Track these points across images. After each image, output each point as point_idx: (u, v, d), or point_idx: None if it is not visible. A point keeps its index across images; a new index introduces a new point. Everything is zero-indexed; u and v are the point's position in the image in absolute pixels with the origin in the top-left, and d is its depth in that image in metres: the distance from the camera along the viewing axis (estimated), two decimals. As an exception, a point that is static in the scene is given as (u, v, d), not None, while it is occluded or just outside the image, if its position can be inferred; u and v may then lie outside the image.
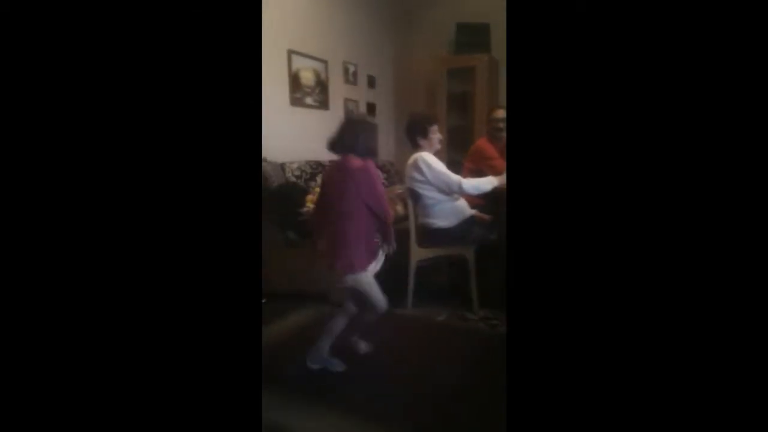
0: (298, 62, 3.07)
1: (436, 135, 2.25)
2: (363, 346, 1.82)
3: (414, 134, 2.26)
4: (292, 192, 2.58)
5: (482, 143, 2.68)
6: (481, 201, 2.41)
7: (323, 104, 3.34)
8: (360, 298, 1.62)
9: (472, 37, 3.71)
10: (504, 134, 2.61)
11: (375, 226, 1.60)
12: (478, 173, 2.41)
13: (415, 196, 2.27)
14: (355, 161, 1.56)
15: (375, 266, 1.65)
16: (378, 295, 1.59)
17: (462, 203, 2.31)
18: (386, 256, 1.73)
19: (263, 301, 2.45)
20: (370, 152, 1.61)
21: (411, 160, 2.24)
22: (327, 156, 3.19)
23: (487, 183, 2.16)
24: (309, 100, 3.20)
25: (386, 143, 4.12)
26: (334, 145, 1.60)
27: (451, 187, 2.16)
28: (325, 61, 3.32)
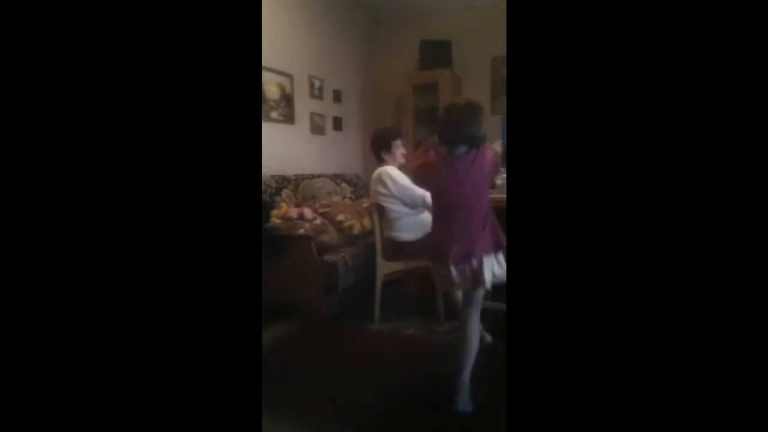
0: (263, 76, 3.06)
1: (399, 149, 2.28)
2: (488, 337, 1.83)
3: (378, 148, 2.29)
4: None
5: None
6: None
7: (288, 118, 3.33)
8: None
9: (435, 53, 3.80)
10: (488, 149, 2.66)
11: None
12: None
13: (381, 210, 2.28)
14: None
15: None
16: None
17: (427, 216, 2.34)
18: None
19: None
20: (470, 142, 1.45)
21: (375, 175, 2.26)
22: (293, 170, 3.18)
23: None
24: (274, 114, 3.18)
25: (353, 157, 4.14)
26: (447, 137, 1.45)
27: (415, 201, 2.19)
28: (290, 76, 3.32)
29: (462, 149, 1.44)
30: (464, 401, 1.46)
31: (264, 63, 3.05)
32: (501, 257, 1.45)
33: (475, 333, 1.52)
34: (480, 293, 1.50)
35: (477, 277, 1.41)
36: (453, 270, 1.42)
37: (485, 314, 1.64)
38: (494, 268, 1.43)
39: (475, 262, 1.41)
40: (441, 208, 1.52)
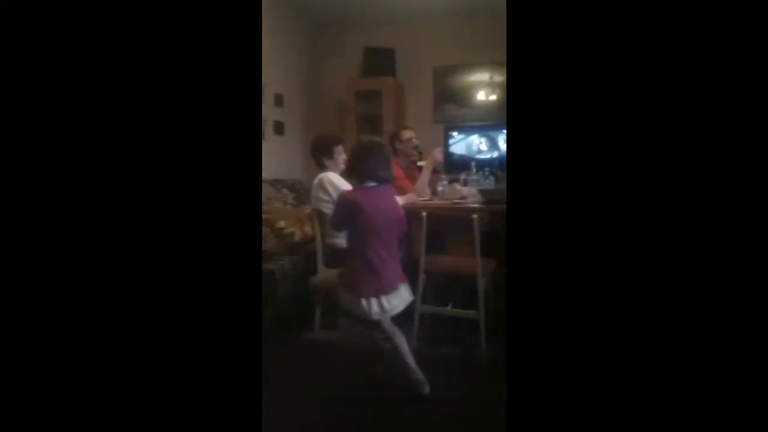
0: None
1: (341, 155, 2.26)
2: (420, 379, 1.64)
3: (319, 154, 2.25)
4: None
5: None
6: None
7: (227, 121, 3.20)
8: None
9: (378, 60, 3.83)
10: (419, 151, 2.71)
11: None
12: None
13: (322, 217, 2.24)
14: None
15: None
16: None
17: (368, 223, 2.33)
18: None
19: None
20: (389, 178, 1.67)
21: (316, 181, 2.22)
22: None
23: (392, 203, 2.20)
24: (211, 117, 3.05)
25: (295, 162, 4.06)
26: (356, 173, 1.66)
27: (356, 207, 2.17)
28: (228, 77, 3.20)
29: (371, 183, 1.61)
30: (420, 381, 1.59)
31: (199, 62, 2.92)
32: (403, 290, 1.60)
33: (396, 331, 1.67)
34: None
35: (383, 308, 1.54)
36: (363, 302, 1.52)
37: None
38: (399, 299, 1.58)
39: (383, 297, 1.53)
40: (354, 238, 1.64)
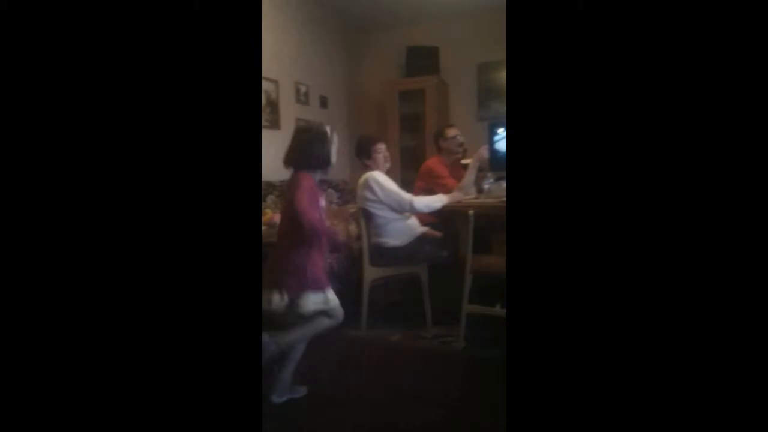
0: (248, 82, 3.04)
1: (380, 154, 2.27)
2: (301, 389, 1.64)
3: (360, 155, 2.28)
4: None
5: (432, 162, 2.73)
6: (432, 219, 2.44)
7: (274, 124, 3.30)
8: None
9: (421, 59, 3.82)
10: (462, 149, 2.70)
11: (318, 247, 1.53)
12: (429, 192, 2.45)
13: (367, 216, 2.27)
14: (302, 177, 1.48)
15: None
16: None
17: (413, 221, 2.33)
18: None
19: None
20: (321, 164, 1.54)
21: (362, 180, 2.25)
22: (278, 176, 3.15)
23: (437, 201, 2.20)
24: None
25: (339, 162, 4.13)
26: (287, 160, 1.55)
27: (402, 206, 2.18)
28: (276, 81, 3.30)
29: (317, 176, 1.53)
30: (279, 393, 1.55)
31: (249, 68, 3.03)
32: (323, 294, 1.50)
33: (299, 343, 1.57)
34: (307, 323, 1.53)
35: (295, 309, 1.46)
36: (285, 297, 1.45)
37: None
38: (317, 302, 1.48)
39: (302, 296, 1.46)
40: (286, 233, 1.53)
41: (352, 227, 2.81)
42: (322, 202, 1.56)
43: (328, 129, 1.56)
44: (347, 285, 2.42)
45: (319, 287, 1.50)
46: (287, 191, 1.53)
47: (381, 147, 2.27)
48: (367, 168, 2.27)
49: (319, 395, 1.63)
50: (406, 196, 2.18)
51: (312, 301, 1.48)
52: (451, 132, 2.73)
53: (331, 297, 1.53)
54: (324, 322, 1.54)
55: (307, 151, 1.51)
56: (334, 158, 1.56)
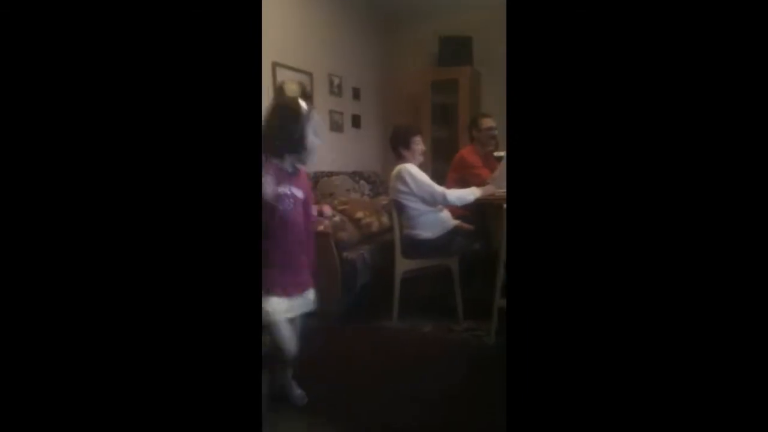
0: (283, 74, 3.08)
1: (419, 146, 2.27)
2: (299, 394, 1.54)
3: (397, 145, 2.29)
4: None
5: (466, 152, 2.71)
6: (464, 211, 2.43)
7: (308, 116, 3.34)
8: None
9: (455, 49, 3.76)
10: (495, 142, 2.67)
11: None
12: (462, 182, 2.43)
13: (400, 208, 2.28)
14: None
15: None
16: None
17: (446, 214, 2.33)
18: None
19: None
20: (294, 148, 1.29)
21: (395, 172, 2.26)
22: (312, 167, 3.20)
23: (471, 193, 2.18)
24: (294, 112, 3.20)
25: (371, 154, 4.14)
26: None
27: (435, 198, 2.18)
28: (309, 73, 3.33)
29: (289, 161, 1.30)
30: (298, 395, 1.51)
31: (284, 61, 3.08)
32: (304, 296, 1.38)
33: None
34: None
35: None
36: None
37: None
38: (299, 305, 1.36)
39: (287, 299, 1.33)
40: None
41: (384, 219, 2.83)
42: (297, 193, 1.34)
43: (303, 105, 1.27)
44: (379, 276, 2.45)
45: (299, 289, 1.36)
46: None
47: (418, 139, 2.27)
48: (401, 159, 2.28)
49: (348, 380, 1.66)
50: (439, 188, 2.17)
51: (293, 305, 1.35)
52: (486, 122, 2.69)
53: (312, 298, 1.41)
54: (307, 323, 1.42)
55: (276, 132, 1.25)
56: (311, 142, 1.28)
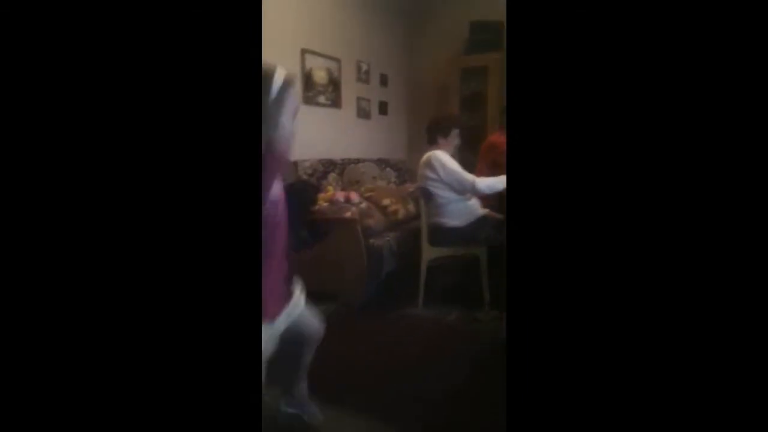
0: (312, 61, 3.08)
1: (456, 139, 2.28)
2: (315, 412, 1.38)
3: (436, 133, 2.27)
4: (304, 190, 2.58)
5: (495, 137, 2.69)
6: (492, 201, 2.39)
7: (335, 103, 3.34)
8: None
9: (484, 35, 3.68)
10: None
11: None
12: (493, 169, 2.40)
13: (428, 195, 2.26)
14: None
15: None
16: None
17: (474, 202, 2.30)
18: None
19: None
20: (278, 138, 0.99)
21: (425, 158, 2.24)
22: (339, 154, 3.20)
23: (501, 182, 2.15)
24: (321, 99, 3.21)
25: (398, 142, 4.12)
26: None
27: (464, 186, 2.15)
28: (338, 60, 3.32)
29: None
30: (291, 404, 1.37)
31: (312, 47, 3.07)
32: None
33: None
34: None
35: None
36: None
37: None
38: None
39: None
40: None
41: (410, 206, 2.82)
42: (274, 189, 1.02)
43: (278, 73, 0.98)
44: (405, 264, 2.45)
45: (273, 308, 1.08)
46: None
47: (458, 132, 2.28)
48: (435, 145, 2.25)
49: (371, 367, 1.68)
50: (469, 176, 2.15)
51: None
52: None
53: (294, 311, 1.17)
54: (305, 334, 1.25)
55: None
56: (280, 122, 0.98)
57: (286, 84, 0.99)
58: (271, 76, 0.98)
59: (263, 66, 0.96)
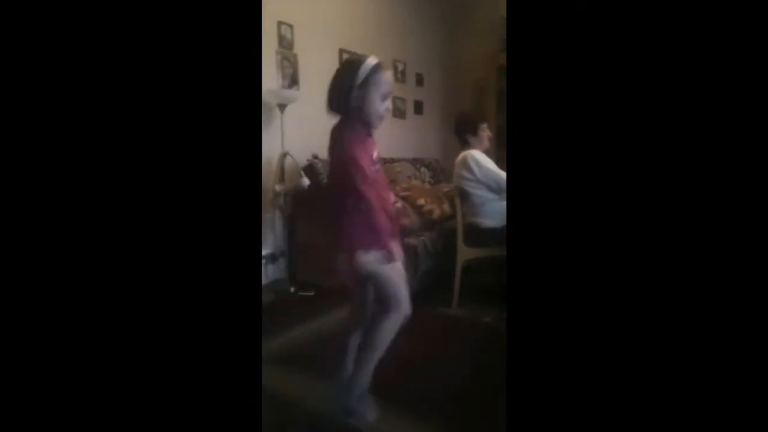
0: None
1: (486, 132, 2.22)
2: (371, 409, 1.32)
3: (464, 132, 2.24)
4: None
5: None
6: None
7: (371, 102, 3.36)
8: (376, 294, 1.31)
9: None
10: None
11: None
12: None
13: (464, 195, 2.24)
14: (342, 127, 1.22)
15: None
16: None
17: (512, 203, 2.26)
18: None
19: (301, 293, 2.49)
20: (357, 111, 1.18)
21: (460, 158, 2.22)
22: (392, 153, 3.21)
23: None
24: (357, 98, 3.23)
25: (433, 141, 4.10)
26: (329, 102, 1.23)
27: (501, 186, 2.12)
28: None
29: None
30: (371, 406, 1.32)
31: (348, 47, 3.10)
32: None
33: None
34: None
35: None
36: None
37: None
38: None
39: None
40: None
41: (446, 206, 2.80)
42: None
43: (369, 60, 1.16)
44: (440, 264, 2.43)
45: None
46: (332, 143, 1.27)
47: (485, 125, 2.24)
48: (466, 145, 2.23)
49: (405, 365, 1.68)
50: (506, 175, 2.11)
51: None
52: None
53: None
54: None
55: (335, 87, 1.19)
56: (374, 106, 1.17)
57: (376, 68, 1.15)
58: (360, 62, 1.15)
59: (351, 55, 1.19)
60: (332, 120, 1.26)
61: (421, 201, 2.72)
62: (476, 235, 2.23)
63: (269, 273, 2.72)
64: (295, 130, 2.64)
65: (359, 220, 1.16)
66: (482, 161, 2.13)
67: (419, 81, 3.86)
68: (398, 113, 3.65)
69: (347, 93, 1.14)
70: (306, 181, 2.40)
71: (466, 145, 2.24)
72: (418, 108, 3.89)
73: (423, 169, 3.42)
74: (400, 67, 3.63)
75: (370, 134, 1.24)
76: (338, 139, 1.22)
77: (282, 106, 2.55)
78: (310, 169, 2.54)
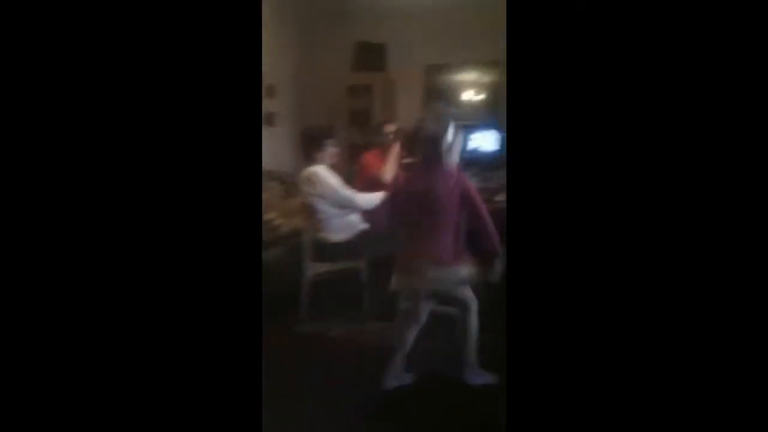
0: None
1: (331, 149, 2.27)
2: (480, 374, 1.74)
3: (309, 147, 2.27)
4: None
5: (370, 155, 2.70)
6: (373, 215, 2.47)
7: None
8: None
9: (369, 55, 3.83)
10: (394, 143, 2.63)
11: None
12: (369, 184, 2.46)
13: (310, 210, 2.26)
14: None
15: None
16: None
17: (354, 217, 2.36)
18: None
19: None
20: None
21: (304, 174, 2.24)
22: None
23: (377, 197, 2.23)
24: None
25: (285, 154, 4.06)
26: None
27: (342, 201, 2.20)
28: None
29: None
30: (390, 378, 1.68)
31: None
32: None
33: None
34: None
35: None
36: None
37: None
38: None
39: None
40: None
41: (297, 221, 2.78)
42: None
43: (452, 128, 1.66)
44: (287, 279, 2.41)
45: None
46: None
47: (331, 141, 2.27)
48: (312, 161, 2.26)
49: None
50: (347, 191, 2.20)
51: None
52: (388, 128, 2.66)
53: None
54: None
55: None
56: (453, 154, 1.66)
57: (457, 132, 1.65)
58: (446, 127, 1.63)
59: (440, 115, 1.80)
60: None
61: (270, 215, 2.67)
62: (323, 249, 2.28)
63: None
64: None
65: None
66: (324, 177, 2.18)
67: (270, 92, 3.80)
68: (248, 124, 3.54)
69: None
70: None
71: (311, 160, 2.27)
72: (269, 119, 3.82)
73: (273, 182, 3.36)
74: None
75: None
76: None
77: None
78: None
